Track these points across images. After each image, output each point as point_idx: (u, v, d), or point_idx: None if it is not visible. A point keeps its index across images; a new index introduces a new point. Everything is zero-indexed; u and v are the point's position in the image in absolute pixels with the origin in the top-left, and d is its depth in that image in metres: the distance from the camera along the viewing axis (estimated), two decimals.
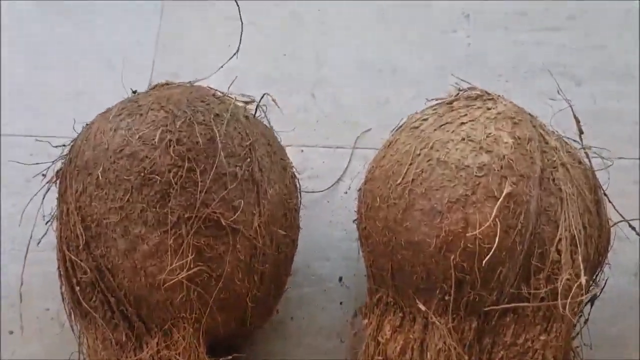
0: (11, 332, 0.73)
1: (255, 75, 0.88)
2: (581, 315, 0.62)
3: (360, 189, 0.65)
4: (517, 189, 0.53)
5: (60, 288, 0.60)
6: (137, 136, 0.55)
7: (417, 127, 0.62)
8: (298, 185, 0.67)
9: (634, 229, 0.62)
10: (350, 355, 0.71)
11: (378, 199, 0.59)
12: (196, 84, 0.66)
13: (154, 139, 0.54)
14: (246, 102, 0.64)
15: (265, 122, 0.67)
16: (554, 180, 0.55)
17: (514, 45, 0.89)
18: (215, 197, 0.54)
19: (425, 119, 0.63)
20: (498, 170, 0.54)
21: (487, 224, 0.52)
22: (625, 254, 0.76)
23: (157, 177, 0.53)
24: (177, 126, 0.55)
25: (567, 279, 0.53)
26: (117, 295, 0.56)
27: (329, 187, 0.81)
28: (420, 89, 0.87)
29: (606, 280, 0.62)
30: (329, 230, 0.79)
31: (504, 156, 0.55)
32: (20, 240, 0.76)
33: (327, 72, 0.89)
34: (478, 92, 0.66)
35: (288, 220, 0.61)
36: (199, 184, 0.54)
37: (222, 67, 0.68)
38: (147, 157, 0.54)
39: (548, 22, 0.90)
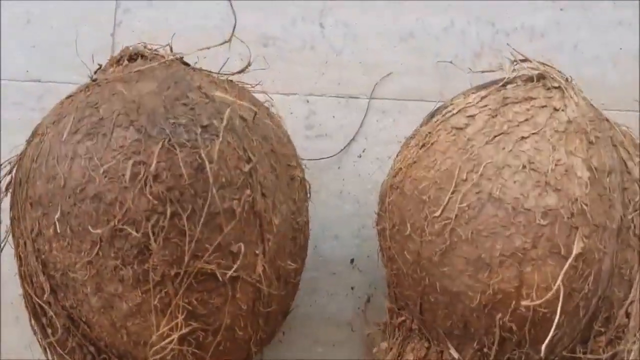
0: None
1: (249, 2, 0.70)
2: None
3: (384, 193, 0.54)
4: (590, 245, 0.42)
5: (30, 321, 0.51)
6: (102, 170, 0.42)
7: (461, 129, 0.49)
8: (308, 186, 0.55)
9: None
10: (363, 347, 0.66)
11: (409, 226, 0.48)
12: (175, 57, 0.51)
13: (123, 175, 0.41)
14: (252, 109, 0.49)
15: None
16: (634, 229, 0.44)
17: None
18: (208, 246, 0.43)
19: (472, 116, 0.49)
20: (568, 219, 0.43)
21: (550, 293, 0.42)
22: None
23: (131, 229, 0.41)
24: (154, 154, 0.42)
25: (635, 344, 0.44)
26: (96, 345, 0.47)
27: (340, 151, 0.69)
28: (454, 17, 0.71)
29: None
30: (339, 202, 0.68)
31: (576, 199, 0.43)
32: None
33: None
34: (539, 71, 0.51)
35: (297, 244, 0.51)
36: (187, 232, 0.42)
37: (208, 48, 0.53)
38: (117, 200, 0.41)
39: None
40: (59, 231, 0.42)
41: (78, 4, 0.71)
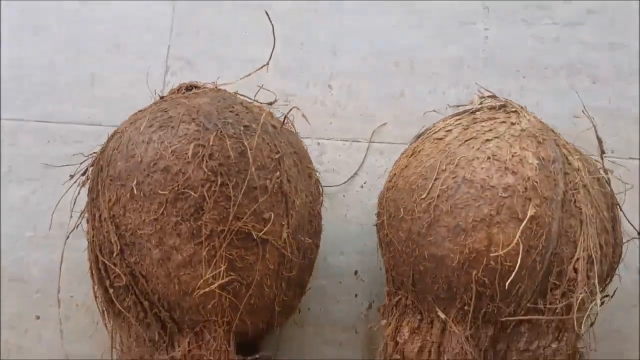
0: (38, 317, 0.76)
1: (272, 66, 0.87)
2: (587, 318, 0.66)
3: (382, 196, 0.67)
4: (540, 211, 0.55)
5: (93, 287, 0.62)
6: (170, 150, 0.56)
7: (441, 139, 0.64)
8: (321, 189, 0.69)
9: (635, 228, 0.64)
10: (365, 347, 0.75)
11: (402, 210, 0.61)
12: (220, 86, 0.67)
13: (187, 153, 0.55)
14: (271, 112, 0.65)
15: (291, 128, 0.68)
16: (575, 202, 0.57)
17: (533, 40, 0.89)
18: (247, 211, 0.56)
19: (450, 130, 0.64)
20: (522, 192, 0.56)
21: (511, 246, 0.54)
22: (629, 253, 0.79)
23: (191, 192, 0.54)
24: (209, 140, 0.56)
25: (582, 297, 0.55)
26: (150, 299, 0.58)
27: (345, 182, 0.83)
28: (436, 82, 0.88)
29: (615, 290, 0.65)
30: (344, 224, 0.81)
31: (528, 178, 0.56)
32: (41, 227, 0.79)
33: (344, 64, 0.89)
34: (501, 102, 0.67)
35: (313, 227, 0.63)
36: (232, 198, 0.55)
37: (248, 75, 0.68)
38: (180, 171, 0.55)
39: (568, 16, 0.90)
40: (134, 195, 0.55)
41: (133, 66, 0.87)
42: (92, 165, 0.62)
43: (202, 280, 0.55)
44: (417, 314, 0.63)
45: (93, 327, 0.73)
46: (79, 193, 0.66)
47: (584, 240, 0.56)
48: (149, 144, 0.57)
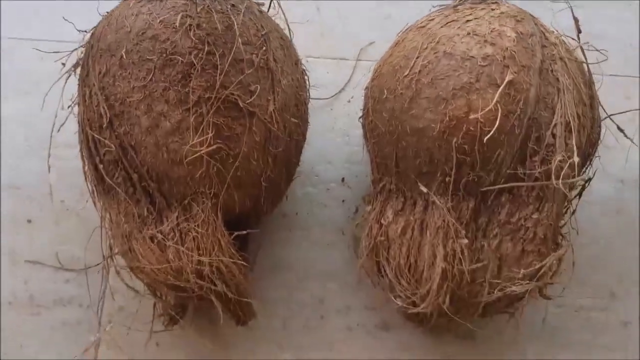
0: (29, 221, 0.77)
1: None
2: (569, 207, 0.67)
3: (366, 87, 0.69)
4: (518, 78, 0.57)
5: (83, 168, 0.63)
6: (159, 20, 0.57)
7: (424, 27, 0.65)
8: (307, 82, 0.70)
9: (620, 129, 0.66)
10: (352, 246, 0.77)
11: (385, 91, 0.63)
12: None
13: (175, 23, 0.57)
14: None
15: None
16: (552, 71, 0.59)
17: None
18: (234, 80, 0.57)
19: (432, 19, 0.66)
20: (501, 61, 0.58)
21: (489, 107, 0.56)
22: (612, 161, 0.81)
23: (179, 57, 0.56)
24: (197, 12, 0.57)
25: (560, 160, 0.57)
26: (139, 172, 0.59)
27: (333, 96, 0.85)
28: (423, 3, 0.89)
29: (595, 171, 0.66)
30: (331, 135, 0.83)
31: (507, 48, 0.58)
32: (35, 136, 0.80)
33: None
34: None
35: (299, 111, 0.65)
36: (218, 66, 0.57)
37: None
38: (168, 39, 0.56)
39: None
40: (123, 63, 0.57)
41: None
42: (83, 48, 0.63)
43: (190, 145, 0.56)
44: (401, 196, 0.64)
45: (82, 231, 0.75)
46: (65, 82, 0.67)
47: (561, 107, 0.57)
48: (137, 15, 0.58)
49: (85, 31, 0.63)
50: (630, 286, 0.75)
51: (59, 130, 0.69)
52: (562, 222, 0.65)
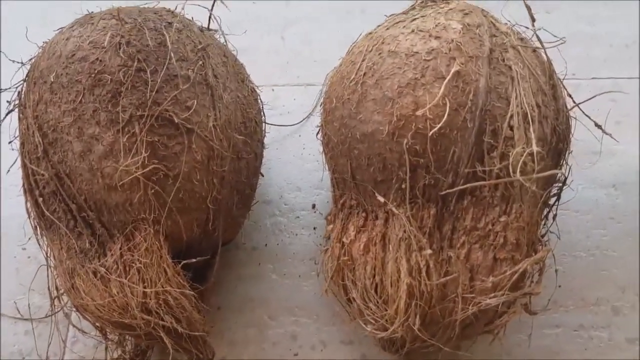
0: None
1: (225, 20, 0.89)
2: (549, 211, 0.62)
3: (321, 104, 0.66)
4: (466, 68, 0.53)
5: (26, 204, 0.60)
6: (88, 41, 0.55)
7: (371, 33, 0.63)
8: (260, 101, 0.67)
9: (588, 116, 0.61)
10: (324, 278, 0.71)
11: (334, 100, 0.60)
12: None
13: (103, 43, 0.55)
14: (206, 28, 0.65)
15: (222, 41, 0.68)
16: (504, 60, 0.55)
17: None
18: (167, 96, 0.55)
19: (380, 25, 0.63)
20: (446, 53, 0.54)
21: (435, 101, 0.52)
22: (602, 167, 0.76)
23: (107, 76, 0.54)
24: (128, 30, 0.56)
25: (520, 152, 0.52)
26: (77, 202, 0.56)
27: (300, 122, 0.82)
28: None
29: (571, 166, 0.61)
30: (300, 162, 0.80)
31: (452, 40, 0.55)
32: None
33: (296, 15, 0.90)
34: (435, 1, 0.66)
35: (248, 129, 0.62)
36: (150, 82, 0.54)
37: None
38: (97, 59, 0.55)
39: None
40: (53, 88, 0.55)
41: None
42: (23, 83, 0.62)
43: (122, 167, 0.53)
44: (362, 212, 0.60)
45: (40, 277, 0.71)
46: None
47: (516, 96, 0.53)
48: (68, 39, 0.57)
49: (23, 64, 0.62)
50: (633, 298, 0.68)
51: (7, 171, 0.67)
52: (542, 226, 0.59)
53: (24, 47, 0.67)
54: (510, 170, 0.51)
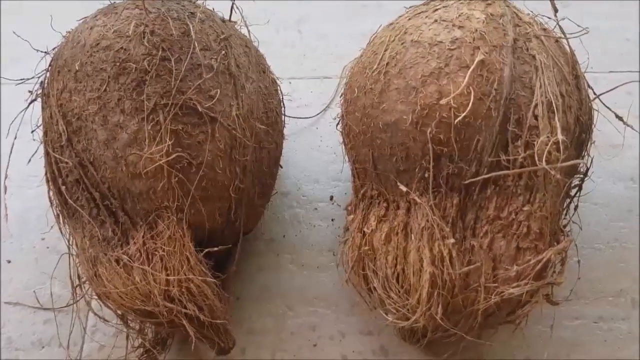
0: (9, 262, 0.74)
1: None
2: (570, 202, 0.62)
3: (342, 94, 0.66)
4: (490, 58, 0.53)
5: (48, 192, 0.61)
6: (112, 30, 0.56)
7: (392, 23, 0.63)
8: (280, 92, 0.68)
9: (609, 108, 0.60)
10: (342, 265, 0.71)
11: (356, 90, 0.60)
12: None
13: (128, 32, 0.55)
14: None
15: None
16: (527, 49, 0.55)
17: None
18: (191, 85, 0.55)
19: (401, 16, 0.63)
20: (470, 42, 0.54)
21: (459, 90, 0.52)
22: (622, 159, 0.76)
23: (132, 65, 0.54)
24: (152, 20, 0.56)
25: (545, 141, 0.52)
26: (101, 190, 0.56)
27: (317, 114, 0.82)
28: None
29: (592, 157, 0.61)
30: (318, 154, 0.80)
31: (476, 30, 0.55)
32: (16, 176, 0.79)
33: (312, 8, 0.90)
34: None
35: (269, 119, 0.62)
36: (174, 71, 0.54)
37: None
38: (122, 48, 0.55)
39: None
40: (78, 77, 0.55)
41: None
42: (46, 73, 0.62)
43: (146, 155, 0.53)
44: (383, 202, 0.60)
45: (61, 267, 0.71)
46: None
47: (540, 85, 0.53)
48: (92, 28, 0.57)
49: (47, 53, 0.62)
50: None
51: (29, 161, 0.67)
52: (563, 217, 0.59)
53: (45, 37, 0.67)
54: (536, 159, 0.51)
